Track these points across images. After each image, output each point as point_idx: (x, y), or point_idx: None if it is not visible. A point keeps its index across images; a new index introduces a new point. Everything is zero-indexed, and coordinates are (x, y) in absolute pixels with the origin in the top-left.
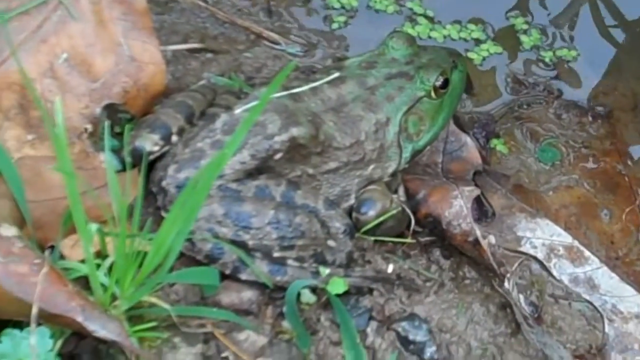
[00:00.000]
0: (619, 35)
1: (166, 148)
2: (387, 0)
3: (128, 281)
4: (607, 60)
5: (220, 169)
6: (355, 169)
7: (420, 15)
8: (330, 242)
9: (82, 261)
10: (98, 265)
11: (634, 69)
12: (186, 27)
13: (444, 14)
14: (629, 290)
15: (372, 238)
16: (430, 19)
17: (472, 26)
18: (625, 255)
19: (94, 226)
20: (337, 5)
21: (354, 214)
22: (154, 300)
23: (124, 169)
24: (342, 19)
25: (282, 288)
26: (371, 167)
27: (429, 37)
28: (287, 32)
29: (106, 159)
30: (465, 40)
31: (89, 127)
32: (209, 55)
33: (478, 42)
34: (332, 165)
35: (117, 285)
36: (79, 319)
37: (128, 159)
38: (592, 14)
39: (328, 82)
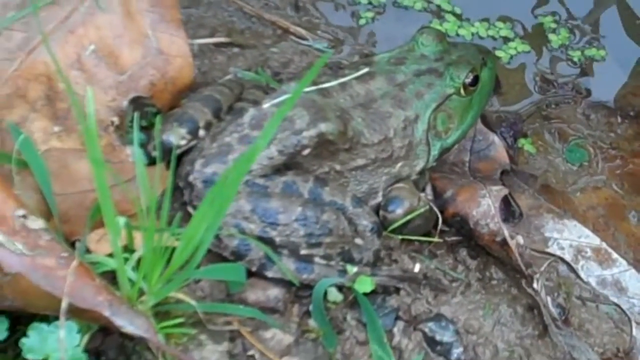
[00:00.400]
0: None
1: (193, 142)
2: None
3: (156, 276)
4: (636, 60)
5: (251, 163)
6: (383, 166)
7: (448, 12)
8: (358, 240)
9: (110, 255)
10: (125, 260)
11: None
12: (213, 20)
13: (472, 11)
14: None
15: (399, 237)
16: (458, 16)
17: (500, 24)
18: None
19: (121, 219)
20: (364, 1)
21: (381, 212)
22: (181, 296)
23: (149, 163)
24: (369, 15)
25: (308, 286)
26: (399, 164)
27: (457, 34)
28: (314, 28)
29: (135, 152)
30: (493, 38)
31: (116, 120)
32: (236, 49)
33: (506, 40)
34: (360, 162)
35: (144, 280)
36: (107, 313)
37: (158, 153)
38: (620, 14)
39: (357, 78)
